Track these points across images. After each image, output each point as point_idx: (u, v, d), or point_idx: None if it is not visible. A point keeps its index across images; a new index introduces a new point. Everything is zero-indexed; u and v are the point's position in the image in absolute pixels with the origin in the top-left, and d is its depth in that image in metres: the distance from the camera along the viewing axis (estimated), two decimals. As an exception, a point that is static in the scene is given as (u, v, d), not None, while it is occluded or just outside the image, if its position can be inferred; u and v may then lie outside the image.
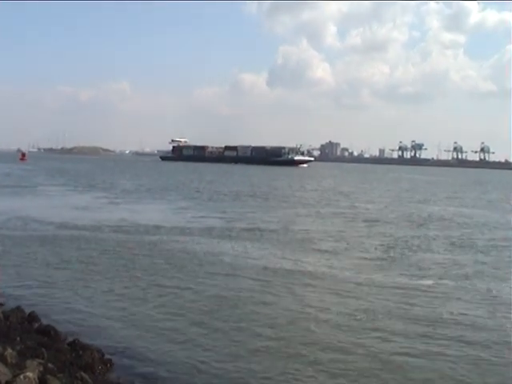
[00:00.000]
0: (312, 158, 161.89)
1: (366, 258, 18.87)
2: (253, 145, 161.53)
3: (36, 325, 10.44)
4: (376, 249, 20.77)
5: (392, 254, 19.63)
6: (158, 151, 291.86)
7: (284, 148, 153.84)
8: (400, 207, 39.19)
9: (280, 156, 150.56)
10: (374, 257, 19.15)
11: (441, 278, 15.80)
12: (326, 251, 19.97)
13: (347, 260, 18.45)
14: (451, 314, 12.32)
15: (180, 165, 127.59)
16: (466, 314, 12.30)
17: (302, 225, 27.37)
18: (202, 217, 29.27)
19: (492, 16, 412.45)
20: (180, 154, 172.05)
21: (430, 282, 15.26)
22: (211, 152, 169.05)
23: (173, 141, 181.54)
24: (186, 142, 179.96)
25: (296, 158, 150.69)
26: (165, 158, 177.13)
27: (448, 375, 9.08)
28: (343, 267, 17.13)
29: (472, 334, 11.02)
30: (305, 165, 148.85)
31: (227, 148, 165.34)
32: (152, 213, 30.92)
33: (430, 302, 13.31)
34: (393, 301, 13.31)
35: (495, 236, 25.35)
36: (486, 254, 20.39)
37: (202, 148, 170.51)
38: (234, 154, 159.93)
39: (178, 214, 30.30)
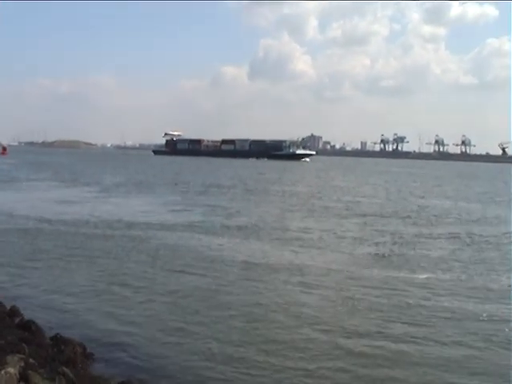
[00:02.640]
0: (314, 152, 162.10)
1: (356, 252, 19.39)
2: (251, 138, 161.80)
3: (17, 320, 10.73)
4: (368, 243, 21.35)
5: (384, 248, 20.14)
6: (140, 145, 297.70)
7: (285, 141, 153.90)
8: (398, 201, 40.13)
9: (281, 150, 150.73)
10: (365, 250, 19.71)
11: (434, 272, 16.31)
12: (317, 246, 20.52)
13: (337, 254, 19.00)
14: (442, 306, 12.82)
15: (174, 159, 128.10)
16: (456, 307, 12.80)
17: (294, 220, 27.85)
18: (188, 211, 30.03)
19: (472, 9, 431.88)
20: (174, 147, 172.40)
21: (422, 276, 15.79)
22: (207, 146, 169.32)
23: (166, 134, 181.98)
24: (179, 135, 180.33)
25: (298, 151, 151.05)
26: (158, 151, 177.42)
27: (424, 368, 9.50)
28: (332, 261, 17.66)
29: (459, 326, 11.50)
30: (307, 159, 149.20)
31: (224, 141, 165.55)
32: (138, 207, 31.52)
33: (418, 294, 13.80)
34: (377, 293, 13.85)
35: (491, 230, 26.04)
36: (483, 248, 20.96)
37: (198, 141, 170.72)
38: (231, 147, 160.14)
39: (165, 209, 30.98)
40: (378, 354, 9.86)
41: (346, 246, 20.73)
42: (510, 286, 14.91)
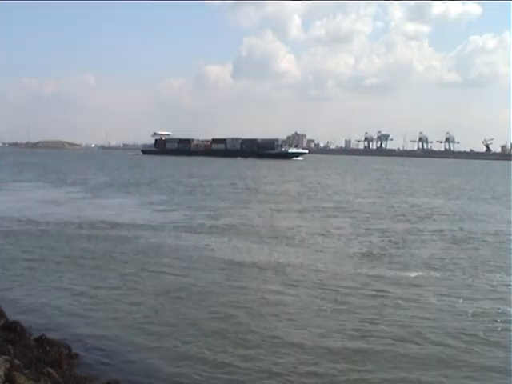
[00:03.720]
0: (306, 151, 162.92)
1: (345, 251, 19.79)
2: (243, 137, 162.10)
3: (2, 321, 10.90)
4: (357, 241, 21.82)
5: (374, 247, 20.61)
6: (124, 145, 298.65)
7: (277, 140, 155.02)
8: (387, 199, 40.93)
9: (273, 149, 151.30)
10: (354, 249, 20.12)
11: (424, 271, 16.69)
12: (305, 245, 20.88)
13: (325, 253, 19.37)
14: (430, 305, 13.16)
15: (164, 159, 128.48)
16: (444, 306, 13.14)
17: (283, 220, 28.18)
18: (174, 211, 30.48)
19: (455, 7, 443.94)
20: (163, 147, 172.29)
21: (412, 274, 16.16)
22: (197, 145, 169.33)
23: (155, 134, 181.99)
24: (168, 134, 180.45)
25: (290, 150, 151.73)
26: (147, 151, 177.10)
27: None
28: (320, 260, 18.01)
29: (446, 325, 11.79)
30: (299, 158, 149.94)
31: (214, 141, 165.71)
32: (124, 208, 31.94)
33: (407, 293, 14.13)
34: (364, 292, 14.20)
35: (482, 227, 26.65)
36: (474, 245, 21.52)
37: (187, 141, 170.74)
38: (222, 147, 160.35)
39: (152, 209, 31.41)
40: (360, 355, 10.13)
41: (335, 244, 21.14)
42: (500, 283, 15.28)
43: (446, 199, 42.31)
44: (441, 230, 24.94)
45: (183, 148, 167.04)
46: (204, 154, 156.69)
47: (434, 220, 29.14)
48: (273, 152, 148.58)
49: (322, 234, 23.33)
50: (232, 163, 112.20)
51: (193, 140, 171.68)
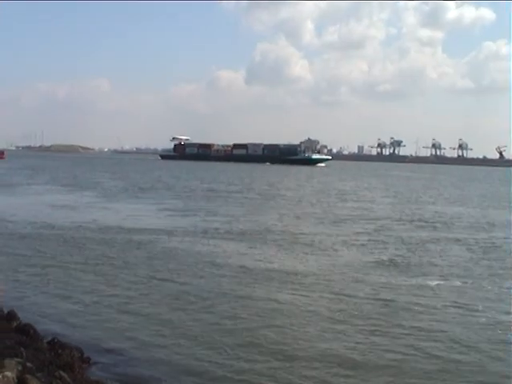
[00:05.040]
0: (330, 157, 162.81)
1: (358, 258, 19.90)
2: (264, 142, 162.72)
3: (15, 323, 11.22)
4: (376, 249, 21.87)
5: (393, 254, 20.73)
6: (137, 149, 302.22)
7: (299, 146, 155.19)
8: (408, 206, 40.97)
9: (295, 154, 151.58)
10: (375, 257, 20.17)
11: (445, 279, 16.73)
12: (322, 252, 20.95)
13: (342, 260, 19.51)
14: (452, 314, 13.18)
15: (183, 164, 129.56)
16: (462, 316, 13.15)
17: (301, 227, 28.30)
18: (189, 216, 30.90)
19: (469, 12, 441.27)
20: (183, 152, 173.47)
21: (433, 283, 16.16)
22: (217, 150, 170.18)
23: (174, 138, 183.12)
24: (187, 139, 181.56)
25: (313, 156, 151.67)
26: (165, 156, 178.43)
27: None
28: (337, 267, 18.17)
29: (462, 335, 11.81)
30: (322, 164, 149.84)
31: (236, 146, 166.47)
32: (141, 212, 32.55)
33: (429, 301, 14.17)
34: (381, 300, 14.25)
35: (502, 235, 26.59)
36: (494, 254, 21.50)
37: (208, 146, 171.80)
38: (243, 152, 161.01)
39: (168, 214, 31.84)
40: (369, 365, 10.20)
41: (354, 251, 21.29)
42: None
43: (463, 206, 42.52)
44: (462, 238, 24.99)
45: (203, 153, 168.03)
46: (224, 159, 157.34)
47: (455, 227, 29.23)
48: (296, 158, 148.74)
49: (341, 241, 23.44)
50: (253, 169, 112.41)
51: (213, 145, 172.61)
